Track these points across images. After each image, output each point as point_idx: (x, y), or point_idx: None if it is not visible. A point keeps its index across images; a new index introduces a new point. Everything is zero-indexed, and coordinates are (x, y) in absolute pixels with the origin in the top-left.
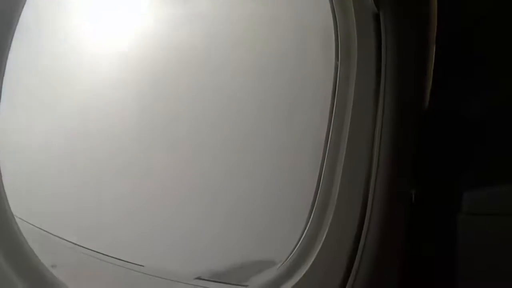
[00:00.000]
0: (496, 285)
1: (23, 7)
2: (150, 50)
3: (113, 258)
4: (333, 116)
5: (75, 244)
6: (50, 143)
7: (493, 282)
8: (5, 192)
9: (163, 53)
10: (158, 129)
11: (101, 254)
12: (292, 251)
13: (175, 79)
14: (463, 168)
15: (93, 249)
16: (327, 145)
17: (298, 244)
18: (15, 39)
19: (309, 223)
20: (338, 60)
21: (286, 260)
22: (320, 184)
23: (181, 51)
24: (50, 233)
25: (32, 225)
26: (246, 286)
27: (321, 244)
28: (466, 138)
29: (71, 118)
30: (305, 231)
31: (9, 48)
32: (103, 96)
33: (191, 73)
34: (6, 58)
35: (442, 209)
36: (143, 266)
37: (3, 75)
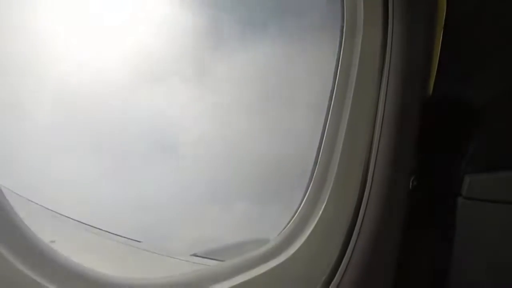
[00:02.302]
0: (494, 269)
1: None
2: None
3: (111, 234)
4: (334, 92)
5: (74, 220)
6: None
7: (491, 266)
8: None
9: None
10: None
11: (99, 230)
12: (286, 225)
13: None
14: (464, 153)
15: (91, 224)
16: (326, 126)
17: (293, 219)
18: None
19: (304, 199)
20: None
21: (280, 233)
22: (318, 162)
23: None
24: (49, 209)
25: (31, 200)
26: None
27: (316, 219)
28: (468, 123)
29: None
30: (301, 206)
31: None
32: None
33: None
34: None
35: (442, 192)
36: (140, 242)
37: None
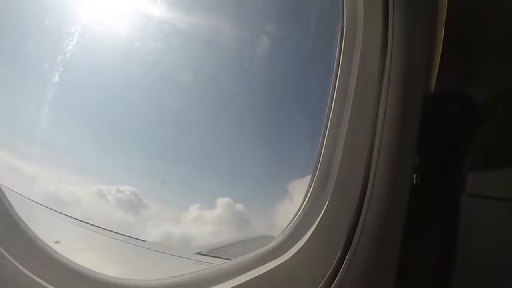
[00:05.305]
0: (498, 266)
1: None
2: None
3: (115, 233)
4: (335, 88)
5: (77, 219)
6: None
7: (494, 264)
8: None
9: None
10: None
11: (103, 229)
12: (289, 223)
13: None
14: (468, 150)
15: (95, 224)
16: (327, 123)
17: (296, 217)
18: None
19: (307, 197)
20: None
21: (282, 232)
22: (320, 160)
23: None
24: (54, 210)
25: (35, 201)
26: None
27: (319, 218)
28: (472, 120)
29: None
30: (303, 204)
31: None
32: None
33: None
34: None
35: (446, 189)
36: (145, 241)
37: None
